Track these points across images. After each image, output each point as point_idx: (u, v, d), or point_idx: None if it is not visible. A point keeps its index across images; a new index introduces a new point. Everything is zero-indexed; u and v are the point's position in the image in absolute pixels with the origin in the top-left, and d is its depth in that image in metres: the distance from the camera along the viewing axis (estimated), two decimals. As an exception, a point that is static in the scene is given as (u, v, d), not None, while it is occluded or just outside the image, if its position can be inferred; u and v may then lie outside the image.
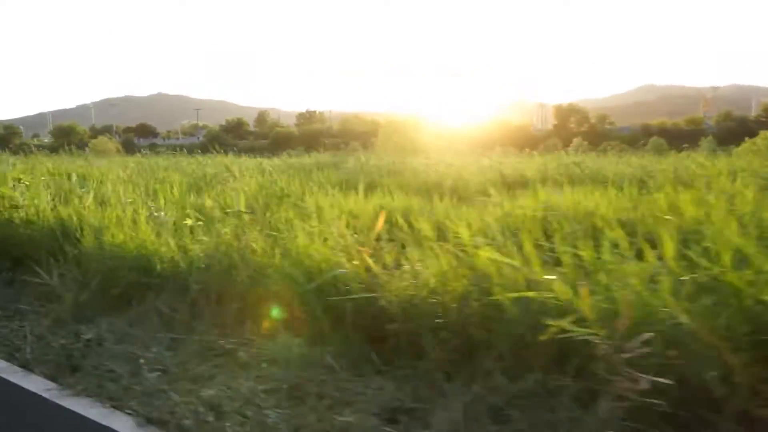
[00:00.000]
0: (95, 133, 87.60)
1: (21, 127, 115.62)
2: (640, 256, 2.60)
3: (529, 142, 38.43)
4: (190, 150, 21.04)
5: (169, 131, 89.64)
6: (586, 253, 2.68)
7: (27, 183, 6.68)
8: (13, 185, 6.38)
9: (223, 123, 76.64)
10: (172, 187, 7.03)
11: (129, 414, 2.61)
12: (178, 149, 22.77)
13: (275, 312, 3.33)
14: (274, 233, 3.98)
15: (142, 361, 3.07)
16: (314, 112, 74.71)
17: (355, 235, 3.48)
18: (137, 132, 76.27)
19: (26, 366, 3.19)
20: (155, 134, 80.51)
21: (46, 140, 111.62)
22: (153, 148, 49.69)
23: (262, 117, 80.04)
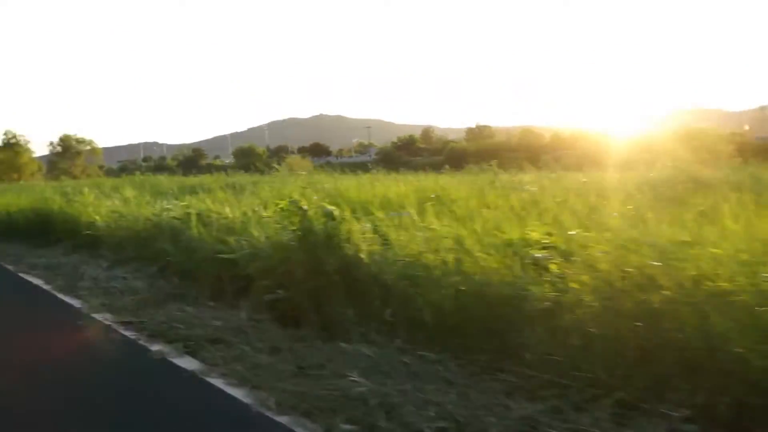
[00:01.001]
0: (272, 153, 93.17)
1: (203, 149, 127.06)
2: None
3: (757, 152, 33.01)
4: (364, 168, 20.41)
5: (340, 149, 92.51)
6: None
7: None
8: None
9: (385, 141, 77.15)
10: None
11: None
12: (352, 166, 22.70)
13: None
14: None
15: None
16: (484, 126, 73.04)
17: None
18: (310, 151, 79.24)
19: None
20: (328, 153, 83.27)
21: (227, 161, 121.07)
22: (329, 166, 50.57)
23: (426, 133, 79.68)
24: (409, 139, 71.69)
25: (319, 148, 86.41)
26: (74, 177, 79.17)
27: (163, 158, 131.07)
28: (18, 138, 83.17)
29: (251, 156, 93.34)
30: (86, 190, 12.29)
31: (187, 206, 8.14)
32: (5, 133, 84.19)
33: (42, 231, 11.57)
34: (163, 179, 25.22)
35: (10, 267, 9.46)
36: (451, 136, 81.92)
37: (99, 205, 10.84)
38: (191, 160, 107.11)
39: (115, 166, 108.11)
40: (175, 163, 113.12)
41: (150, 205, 9.93)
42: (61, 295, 6.94)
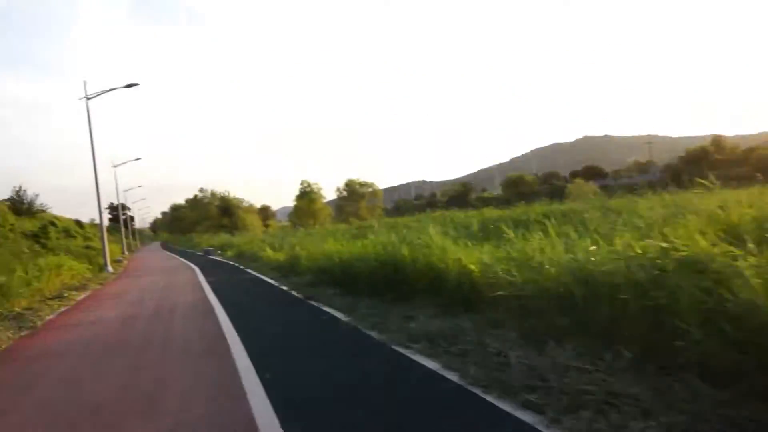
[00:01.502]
0: (542, 180, 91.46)
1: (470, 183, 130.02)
2: None
3: None
4: (652, 187, 17.85)
5: (616, 170, 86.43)
6: None
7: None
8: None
9: (663, 157, 69.36)
10: None
11: None
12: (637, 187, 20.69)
13: None
14: None
15: None
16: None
17: None
18: (583, 175, 74.96)
19: None
20: (603, 175, 78.07)
21: (495, 193, 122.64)
22: (606, 188, 46.69)
23: (718, 143, 69.67)
24: (700, 152, 63.29)
25: (592, 171, 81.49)
26: (361, 218, 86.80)
27: (433, 195, 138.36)
28: (312, 186, 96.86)
29: (520, 185, 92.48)
30: (431, 230, 11.08)
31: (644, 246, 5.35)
32: (301, 183, 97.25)
33: (388, 283, 10.44)
34: (459, 214, 25.03)
35: (372, 334, 7.68)
36: (744, 145, 70.53)
37: (458, 250, 9.36)
38: (461, 195, 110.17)
39: (389, 206, 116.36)
40: (445, 198, 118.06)
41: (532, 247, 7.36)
42: (504, 405, 4.34)
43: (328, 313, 10.20)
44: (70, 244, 40.98)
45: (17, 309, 13.69)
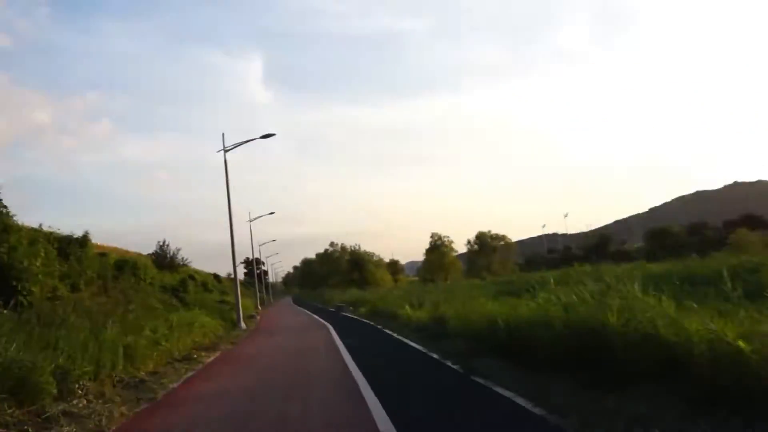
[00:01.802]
0: (690, 231, 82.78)
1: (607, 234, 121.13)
2: None
3: None
4: None
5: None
6: None
7: None
8: None
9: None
10: None
11: None
12: None
13: None
14: None
15: None
16: None
17: None
18: (743, 224, 66.56)
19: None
20: (766, 225, 69.09)
21: (636, 245, 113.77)
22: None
23: None
24: None
25: (753, 220, 72.35)
26: (494, 273, 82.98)
27: (567, 248, 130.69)
28: (443, 239, 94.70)
29: (666, 237, 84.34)
30: (634, 287, 8.44)
31: None
32: (432, 236, 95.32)
33: (581, 358, 7.86)
34: (613, 269, 21.33)
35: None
36: None
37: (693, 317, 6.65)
38: (598, 248, 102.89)
39: (520, 260, 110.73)
40: (580, 252, 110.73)
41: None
42: None
43: (505, 398, 7.50)
44: (206, 299, 41.20)
45: (142, 373, 12.15)
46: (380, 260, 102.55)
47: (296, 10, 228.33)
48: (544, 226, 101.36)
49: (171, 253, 50.38)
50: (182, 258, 51.44)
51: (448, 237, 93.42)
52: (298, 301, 78.65)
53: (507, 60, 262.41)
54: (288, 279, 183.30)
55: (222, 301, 40.02)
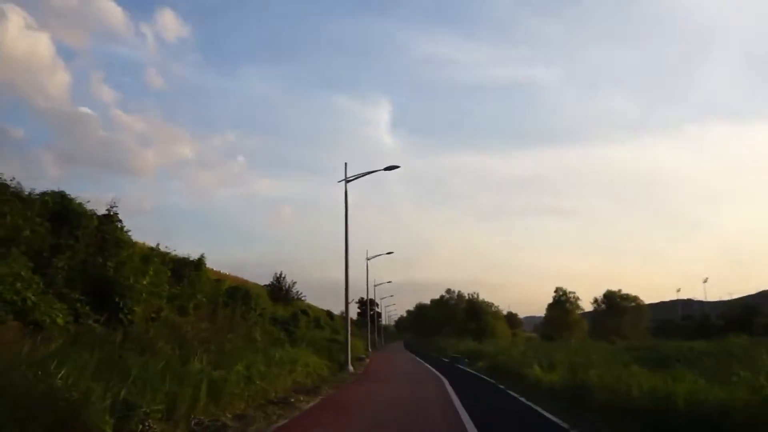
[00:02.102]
0: None
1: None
2: None
3: None
4: None
5: None
6: None
7: None
8: None
9: None
10: None
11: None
12: None
13: None
14: None
15: None
16: None
17: None
18: None
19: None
20: None
21: None
22: None
23: None
24: None
25: None
26: (623, 336, 75.78)
27: (705, 317, 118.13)
28: (568, 295, 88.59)
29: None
30: None
31: None
32: (556, 291, 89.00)
33: None
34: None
35: None
36: None
37: None
38: (742, 319, 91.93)
39: (650, 325, 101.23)
40: (721, 322, 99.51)
41: None
42: None
43: None
44: (316, 336, 40.02)
45: (228, 415, 10.42)
46: (498, 311, 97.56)
47: (428, 58, 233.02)
48: (678, 290, 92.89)
49: (287, 286, 50.23)
50: (297, 292, 51.15)
51: (574, 293, 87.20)
52: (409, 347, 76.12)
53: (645, 112, 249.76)
54: (401, 323, 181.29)
55: (332, 340, 38.59)
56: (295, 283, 49.84)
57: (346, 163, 25.91)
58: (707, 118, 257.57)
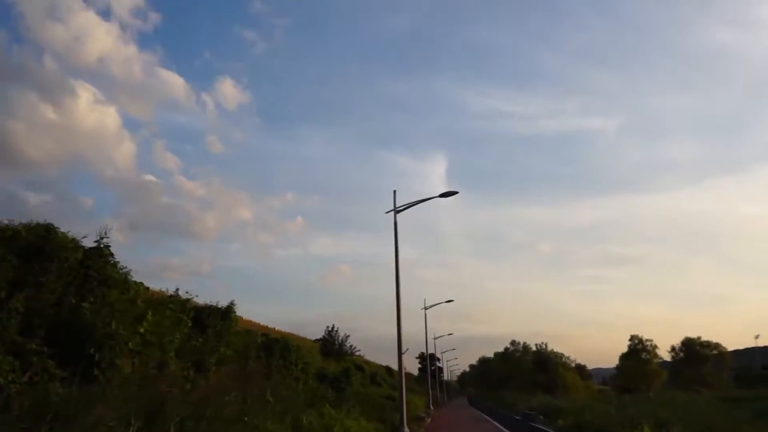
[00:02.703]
0: None
1: None
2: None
3: None
4: None
5: None
6: None
7: None
8: None
9: None
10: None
11: None
12: None
13: None
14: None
15: None
16: None
17: None
18: None
19: None
20: None
21: None
22: None
23: None
24: None
25: None
26: (707, 386, 68.32)
27: None
28: (645, 344, 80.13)
29: None
30: None
31: None
32: (631, 339, 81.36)
33: None
34: None
35: None
36: None
37: None
38: None
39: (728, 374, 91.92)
40: None
41: None
42: None
43: None
44: (371, 393, 36.22)
45: None
46: (568, 362, 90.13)
47: (483, 113, 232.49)
48: (757, 336, 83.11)
49: (339, 340, 46.82)
50: (351, 346, 47.64)
51: (651, 341, 79.65)
52: (474, 403, 70.49)
53: (707, 158, 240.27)
54: (463, 378, 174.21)
55: (389, 397, 34.76)
56: (348, 336, 46.39)
57: (395, 191, 22.85)
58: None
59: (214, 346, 17.34)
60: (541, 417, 29.59)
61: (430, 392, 50.93)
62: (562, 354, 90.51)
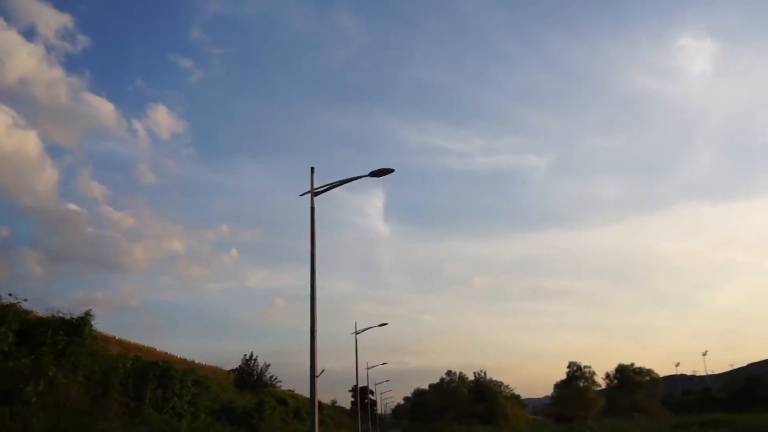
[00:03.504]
0: None
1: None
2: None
3: None
4: None
5: None
6: None
7: None
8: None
9: None
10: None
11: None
12: None
13: None
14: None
15: None
16: None
17: None
18: None
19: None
20: None
21: None
22: None
23: None
24: None
25: None
26: (642, 413, 66.39)
27: (707, 390, 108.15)
28: (583, 370, 76.77)
29: None
30: None
31: None
32: (569, 366, 78.25)
33: None
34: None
35: None
36: None
37: None
38: (746, 391, 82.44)
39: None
40: (722, 395, 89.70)
41: None
42: None
43: None
44: (289, 429, 31.31)
45: None
46: (507, 391, 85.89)
47: (421, 149, 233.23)
48: (677, 364, 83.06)
49: (258, 370, 41.31)
50: (272, 377, 42.18)
51: (589, 368, 77.15)
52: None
53: (633, 196, 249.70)
54: (398, 411, 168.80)
55: (306, 434, 30.05)
56: (268, 366, 40.96)
57: (312, 168, 18.90)
58: (693, 198, 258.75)
59: (40, 370, 12.42)
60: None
61: (360, 426, 45.96)
62: (501, 382, 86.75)
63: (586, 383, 75.01)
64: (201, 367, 48.70)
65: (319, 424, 41.94)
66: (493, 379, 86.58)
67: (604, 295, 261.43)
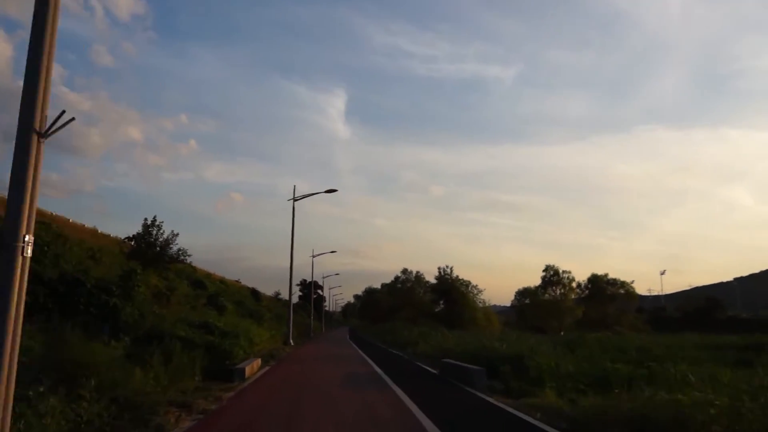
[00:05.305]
0: None
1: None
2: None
3: None
4: None
5: None
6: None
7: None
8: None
9: None
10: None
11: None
12: None
13: None
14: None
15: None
16: None
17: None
18: None
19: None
20: None
21: (746, 314, 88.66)
22: None
23: None
24: None
25: None
26: (610, 327, 59.48)
27: (660, 309, 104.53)
28: (561, 276, 68.56)
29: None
30: None
31: None
32: (546, 270, 69.81)
33: None
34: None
35: None
36: None
37: None
38: (702, 311, 78.41)
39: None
40: (677, 314, 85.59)
41: None
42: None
43: None
44: (191, 315, 21.31)
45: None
46: (475, 291, 73.48)
47: (385, 50, 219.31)
48: (632, 281, 77.60)
49: (162, 239, 30.10)
50: (180, 250, 30.84)
51: (569, 273, 68.89)
52: (357, 339, 55.91)
53: (594, 116, 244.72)
54: (348, 309, 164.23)
55: (205, 327, 19.89)
56: (176, 235, 29.67)
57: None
58: (654, 122, 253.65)
59: None
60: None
61: (291, 318, 36.07)
62: (469, 282, 74.44)
63: (563, 290, 67.23)
64: (96, 235, 37.95)
65: (254, 315, 31.75)
66: (461, 277, 74.59)
67: (557, 213, 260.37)
